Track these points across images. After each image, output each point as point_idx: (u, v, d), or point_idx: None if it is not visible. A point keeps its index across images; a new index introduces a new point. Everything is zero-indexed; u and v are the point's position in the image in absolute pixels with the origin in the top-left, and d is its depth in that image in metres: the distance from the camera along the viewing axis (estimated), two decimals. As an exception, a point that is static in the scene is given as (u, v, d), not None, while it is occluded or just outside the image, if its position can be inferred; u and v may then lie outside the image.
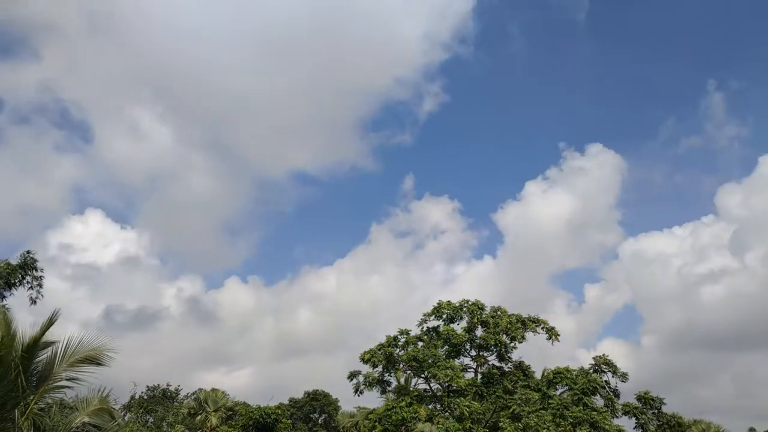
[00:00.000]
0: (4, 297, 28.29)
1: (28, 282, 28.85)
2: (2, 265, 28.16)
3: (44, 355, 11.27)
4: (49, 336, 11.13)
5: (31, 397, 11.18)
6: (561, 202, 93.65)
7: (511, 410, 28.10)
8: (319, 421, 50.47)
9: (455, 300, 34.97)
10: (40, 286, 29.07)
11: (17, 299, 28.67)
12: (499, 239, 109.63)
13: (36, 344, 10.94)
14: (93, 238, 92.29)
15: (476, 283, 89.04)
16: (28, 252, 28.89)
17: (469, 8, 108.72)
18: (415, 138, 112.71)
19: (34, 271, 28.87)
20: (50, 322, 10.94)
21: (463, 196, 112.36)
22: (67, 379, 11.57)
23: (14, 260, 28.65)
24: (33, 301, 28.65)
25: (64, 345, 11.21)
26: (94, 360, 11.56)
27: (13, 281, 28.39)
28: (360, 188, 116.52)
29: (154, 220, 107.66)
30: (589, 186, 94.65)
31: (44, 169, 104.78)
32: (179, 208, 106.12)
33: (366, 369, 33.37)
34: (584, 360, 70.53)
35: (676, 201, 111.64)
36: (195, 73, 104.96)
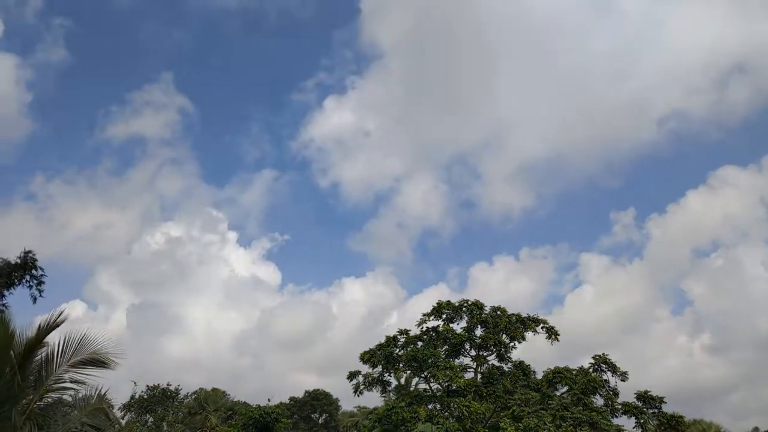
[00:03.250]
0: (4, 296, 28.47)
1: (27, 281, 29.10)
2: (1, 264, 28.30)
3: (43, 355, 11.23)
4: (52, 337, 11.11)
5: (30, 397, 11.16)
6: (706, 213, 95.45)
7: (511, 410, 28.05)
8: (320, 421, 50.42)
9: (456, 300, 34.96)
10: (40, 284, 29.35)
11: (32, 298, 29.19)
12: (638, 249, 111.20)
13: (36, 344, 10.90)
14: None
15: (601, 291, 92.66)
16: (27, 252, 29.09)
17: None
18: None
19: (33, 271, 29.13)
20: (53, 325, 10.89)
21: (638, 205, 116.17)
22: (69, 381, 11.54)
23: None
24: (34, 300, 29.06)
25: (63, 345, 11.18)
26: (97, 362, 11.52)
27: (12, 280, 28.60)
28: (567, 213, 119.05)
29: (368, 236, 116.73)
30: (741, 195, 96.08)
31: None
32: (390, 225, 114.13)
33: (366, 369, 33.34)
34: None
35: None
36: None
